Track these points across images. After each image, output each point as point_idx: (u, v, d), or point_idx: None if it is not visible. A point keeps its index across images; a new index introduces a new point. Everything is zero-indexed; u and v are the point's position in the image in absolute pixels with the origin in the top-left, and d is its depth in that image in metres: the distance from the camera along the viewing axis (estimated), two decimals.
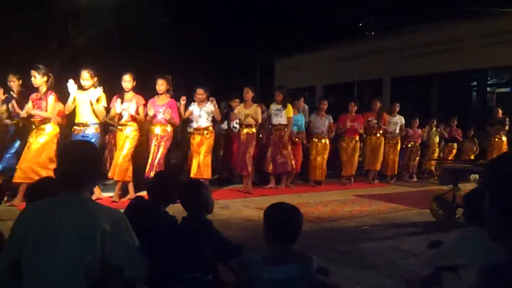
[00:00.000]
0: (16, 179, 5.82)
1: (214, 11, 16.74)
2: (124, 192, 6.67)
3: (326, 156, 8.96)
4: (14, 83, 6.51)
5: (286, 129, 8.06)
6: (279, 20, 17.08)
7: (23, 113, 5.88)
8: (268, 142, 8.30)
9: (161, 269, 2.31)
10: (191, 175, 7.08)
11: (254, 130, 7.77)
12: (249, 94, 7.68)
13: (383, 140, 9.68)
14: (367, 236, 5.13)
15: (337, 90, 16.32)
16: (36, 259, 1.80)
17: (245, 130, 7.74)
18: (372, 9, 14.26)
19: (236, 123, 8.17)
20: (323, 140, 8.93)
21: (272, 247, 2.16)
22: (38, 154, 5.86)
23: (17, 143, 6.34)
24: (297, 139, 8.56)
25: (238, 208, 6.47)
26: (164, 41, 15.68)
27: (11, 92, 6.63)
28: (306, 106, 9.41)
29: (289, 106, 8.11)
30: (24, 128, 6.40)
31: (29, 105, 5.92)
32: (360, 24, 14.22)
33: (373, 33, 14.39)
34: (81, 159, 1.95)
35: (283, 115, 8.06)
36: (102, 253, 1.83)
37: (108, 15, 14.21)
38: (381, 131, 9.61)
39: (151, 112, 6.72)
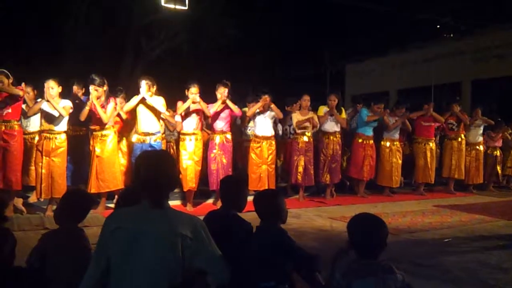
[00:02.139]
0: (94, 189, 5.98)
1: (281, 18, 16.77)
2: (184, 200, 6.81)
3: (400, 161, 8.38)
4: (79, 93, 6.83)
5: (338, 135, 7.71)
6: (349, 24, 16.82)
7: (86, 109, 5.95)
8: (320, 151, 7.75)
9: (237, 277, 2.32)
10: (259, 185, 6.89)
11: (310, 135, 7.52)
12: (307, 102, 7.47)
13: (464, 145, 9.07)
14: (450, 249, 4.86)
15: (413, 94, 15.69)
16: (121, 263, 1.90)
17: (304, 137, 7.48)
18: (450, 10, 13.61)
19: (292, 128, 7.88)
20: (396, 143, 8.37)
21: (356, 260, 2.09)
22: (111, 162, 6.10)
23: (79, 152, 6.57)
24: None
25: (310, 217, 6.37)
26: (232, 51, 15.98)
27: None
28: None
29: (343, 110, 7.84)
30: (79, 137, 6.64)
31: (86, 108, 6.00)
32: (438, 26, 13.61)
33: (451, 35, 13.72)
34: (160, 169, 2.00)
35: (338, 121, 7.68)
36: (183, 258, 1.90)
37: (179, 30, 14.73)
38: (462, 136, 9.02)
39: (216, 106, 6.64)
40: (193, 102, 6.48)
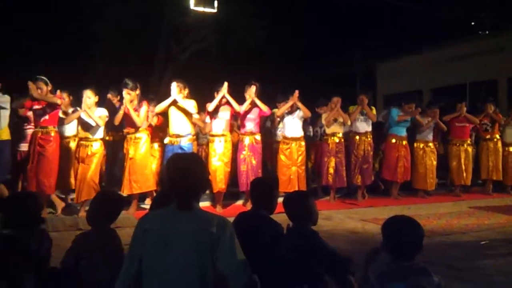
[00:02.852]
0: (127, 191, 6.10)
1: (310, 18, 16.66)
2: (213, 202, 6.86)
3: (435, 163, 8.19)
4: (113, 100, 6.95)
5: (370, 136, 7.57)
6: (380, 22, 16.55)
7: (119, 113, 6.10)
8: (351, 152, 7.62)
9: (268, 280, 2.31)
10: (289, 187, 6.82)
11: (341, 136, 7.44)
12: (338, 103, 7.33)
13: (500, 146, 8.78)
14: (487, 252, 4.72)
15: (447, 93, 15.30)
16: (152, 263, 1.95)
17: (334, 139, 7.40)
18: (486, 6, 13.19)
19: (323, 130, 7.79)
20: (430, 145, 8.19)
21: (391, 262, 2.04)
22: (144, 164, 6.20)
23: (116, 156, 6.70)
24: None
25: (342, 219, 6.29)
26: (260, 52, 15.97)
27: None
28: None
29: (373, 109, 7.70)
30: (117, 142, 6.75)
31: (121, 110, 6.15)
32: (473, 23, 13.21)
33: (486, 31, 13.30)
34: (189, 172, 2.05)
35: (369, 120, 7.57)
36: (211, 259, 1.93)
37: (208, 31, 14.84)
38: (497, 136, 8.73)
39: (245, 105, 6.64)
40: (221, 103, 6.50)
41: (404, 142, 7.90)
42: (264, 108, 6.71)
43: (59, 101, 5.89)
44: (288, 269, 2.47)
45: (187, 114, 6.37)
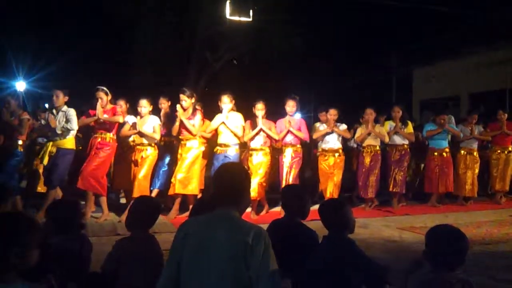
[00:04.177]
0: (171, 191, 6.36)
1: (345, 23, 16.49)
2: (259, 208, 6.90)
3: (477, 171, 8.07)
4: (164, 105, 7.11)
5: (406, 146, 7.49)
6: (417, 26, 16.23)
7: (176, 125, 6.40)
8: (386, 162, 7.62)
9: (304, 286, 2.30)
10: (327, 196, 6.93)
11: (378, 148, 7.43)
12: (369, 116, 7.29)
13: None
14: None
15: (486, 98, 14.85)
16: (191, 268, 1.97)
17: (370, 149, 7.39)
18: None
19: (357, 143, 7.78)
20: (474, 153, 8.08)
21: (431, 272, 2.01)
22: (190, 168, 6.39)
23: (166, 161, 6.84)
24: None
25: (378, 227, 6.20)
26: (295, 59, 15.95)
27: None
28: (452, 117, 8.53)
29: (409, 123, 7.59)
30: (168, 146, 6.92)
31: (177, 121, 6.41)
32: None
33: None
34: (235, 181, 2.12)
35: (404, 137, 7.50)
36: (247, 267, 1.93)
37: (242, 40, 14.95)
38: None
39: (282, 133, 6.82)
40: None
41: (445, 154, 7.80)
42: (301, 135, 6.86)
43: (121, 120, 6.25)
44: (325, 278, 2.45)
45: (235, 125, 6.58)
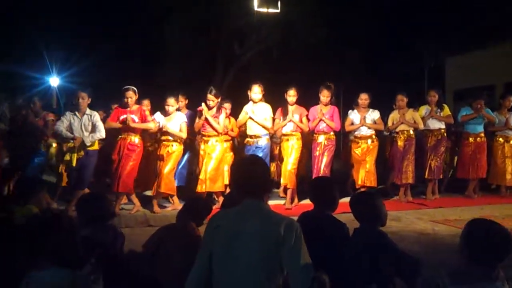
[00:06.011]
0: (199, 189, 6.35)
1: (373, 12, 16.17)
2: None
3: None
4: (182, 103, 7.09)
5: (443, 131, 7.32)
6: (449, 13, 15.76)
7: (199, 122, 6.45)
8: (422, 149, 7.44)
9: (334, 279, 2.28)
10: (359, 183, 6.95)
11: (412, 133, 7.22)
12: (401, 102, 7.14)
13: None
14: None
15: None
16: (222, 259, 2.00)
17: (404, 136, 7.20)
18: None
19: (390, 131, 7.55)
20: (511, 140, 7.70)
21: (469, 266, 1.95)
22: (216, 165, 6.41)
23: (185, 157, 6.90)
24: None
25: (411, 220, 6.08)
26: (322, 50, 15.78)
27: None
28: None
29: (445, 107, 7.39)
30: (190, 144, 6.95)
31: (201, 120, 6.45)
32: None
33: None
34: (252, 174, 2.14)
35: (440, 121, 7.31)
36: (278, 259, 1.95)
37: (270, 31, 14.90)
38: None
39: (315, 122, 6.76)
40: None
41: (478, 139, 7.51)
42: (333, 125, 6.78)
43: (153, 126, 6.29)
44: (356, 270, 2.43)
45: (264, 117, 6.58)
